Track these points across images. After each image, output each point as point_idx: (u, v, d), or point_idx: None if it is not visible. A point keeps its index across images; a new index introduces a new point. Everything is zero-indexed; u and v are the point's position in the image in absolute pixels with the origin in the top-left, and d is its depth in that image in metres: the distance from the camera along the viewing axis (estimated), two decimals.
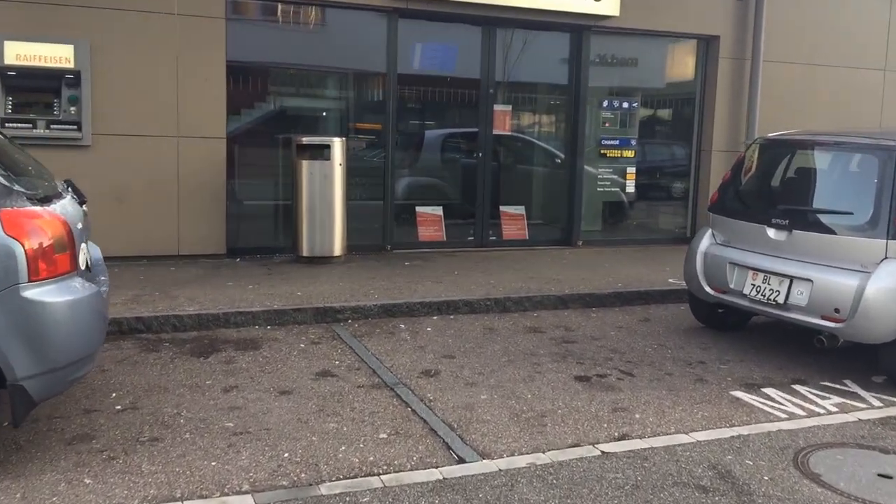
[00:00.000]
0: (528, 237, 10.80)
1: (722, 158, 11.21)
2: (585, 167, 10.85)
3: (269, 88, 9.68)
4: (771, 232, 6.26)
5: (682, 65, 11.64)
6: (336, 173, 8.73)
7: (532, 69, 10.81)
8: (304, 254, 8.80)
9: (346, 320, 6.94)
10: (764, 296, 6.19)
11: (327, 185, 8.70)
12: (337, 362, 5.88)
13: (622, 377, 5.77)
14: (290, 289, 7.51)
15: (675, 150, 12.06)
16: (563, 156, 11.15)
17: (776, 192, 6.71)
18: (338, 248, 8.88)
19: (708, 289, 6.75)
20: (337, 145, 8.72)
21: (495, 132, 10.54)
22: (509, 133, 11.22)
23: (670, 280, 8.64)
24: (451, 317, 7.25)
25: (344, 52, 9.80)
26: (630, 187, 11.19)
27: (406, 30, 9.78)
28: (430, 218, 10.39)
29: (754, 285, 6.30)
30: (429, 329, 6.83)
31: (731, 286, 6.50)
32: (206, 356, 5.91)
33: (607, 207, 11.45)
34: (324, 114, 10.24)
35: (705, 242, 6.89)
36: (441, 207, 10.49)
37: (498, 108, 10.49)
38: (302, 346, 6.25)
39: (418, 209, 10.38)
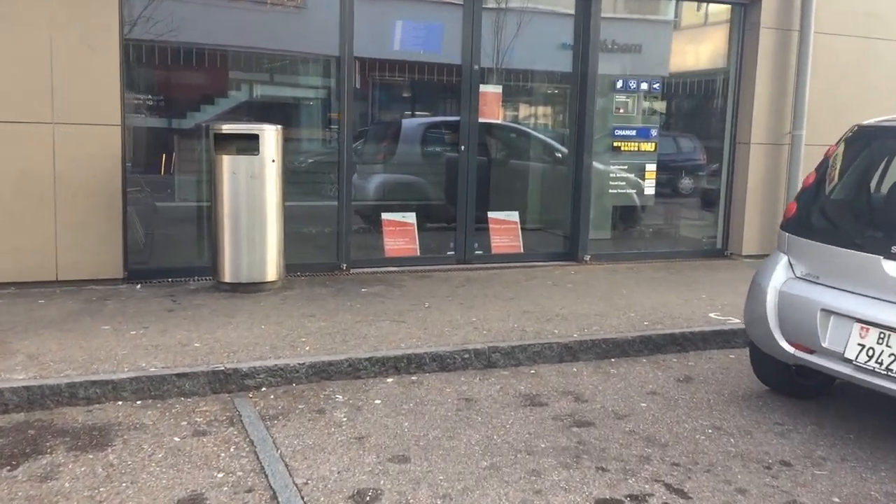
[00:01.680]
0: (522, 250, 8.66)
1: (762, 153, 9.07)
2: (594, 164, 8.70)
3: (187, 65, 7.50)
4: (891, 266, 4.14)
5: (713, 37, 9.49)
6: (268, 172, 6.57)
7: (527, 41, 8.66)
8: (226, 279, 6.64)
9: (257, 389, 4.80)
10: (881, 363, 4.07)
11: (257, 187, 6.54)
12: (221, 475, 3.74)
13: (671, 501, 3.64)
14: (187, 336, 5.35)
15: (704, 142, 9.91)
16: (566, 150, 9.01)
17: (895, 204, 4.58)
18: (272, 272, 6.72)
19: (785, 344, 4.62)
20: (269, 136, 6.55)
21: (482, 120, 8.39)
22: (499, 122, 9.10)
23: (711, 315, 6.50)
24: (413, 378, 5.11)
25: (287, 26, 7.64)
26: (649, 188, 9.04)
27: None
28: (400, 227, 8.24)
29: (864, 346, 4.17)
30: (377, 402, 4.69)
31: (825, 344, 4.37)
32: (15, 465, 3.76)
33: (620, 213, 9.32)
34: (260, 99, 8.10)
35: (779, 275, 4.75)
36: (413, 214, 8.35)
37: (485, 89, 8.33)
38: (177, 440, 4.10)
39: (384, 216, 8.23)
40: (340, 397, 4.73)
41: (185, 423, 4.30)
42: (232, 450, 3.99)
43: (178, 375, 4.63)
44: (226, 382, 4.72)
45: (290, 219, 7.20)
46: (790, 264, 4.76)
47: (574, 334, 5.77)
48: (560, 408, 4.72)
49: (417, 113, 9.88)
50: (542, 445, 4.17)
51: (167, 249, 7.55)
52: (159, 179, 7.82)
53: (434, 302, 6.58)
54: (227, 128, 6.57)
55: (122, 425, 4.23)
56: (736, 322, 6.25)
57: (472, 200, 8.28)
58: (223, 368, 4.74)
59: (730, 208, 9.32)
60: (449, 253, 8.32)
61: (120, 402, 4.52)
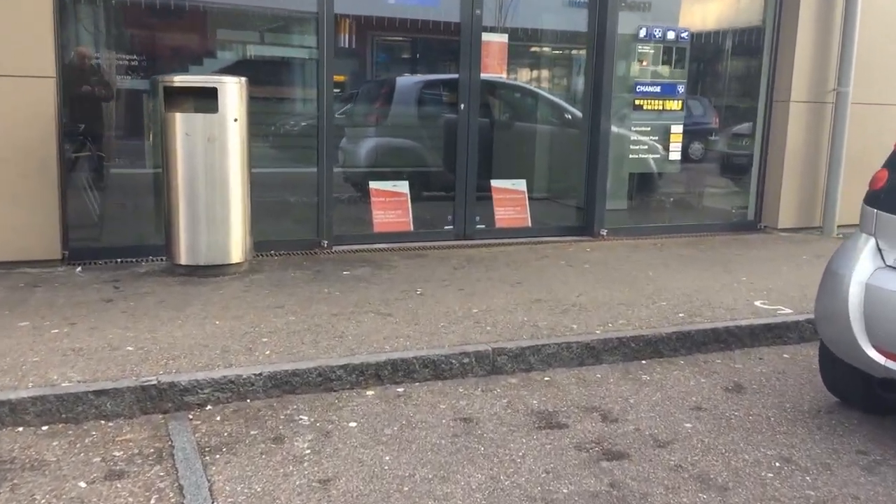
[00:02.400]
0: (530, 224, 7.63)
1: (802, 112, 7.99)
2: (613, 126, 7.62)
3: (141, 12, 6.38)
4: None
5: None
6: (231, 134, 5.52)
7: None
8: (182, 261, 5.61)
9: (200, 407, 3.79)
10: None
11: (216, 152, 5.49)
12: None
13: None
14: (121, 335, 4.34)
15: (736, 100, 8.82)
16: (580, 113, 7.94)
17: None
18: (236, 253, 5.69)
19: (871, 351, 3.61)
20: (230, 90, 5.49)
21: (485, 76, 7.31)
22: (504, 79, 8.02)
23: (757, 303, 5.48)
24: (400, 390, 4.11)
25: None
26: (674, 152, 7.97)
27: None
28: (390, 198, 7.20)
29: None
30: (352, 425, 3.69)
31: None
32: None
33: (640, 182, 8.27)
34: (228, 57, 7.01)
35: (865, 264, 3.71)
36: (406, 183, 7.30)
37: (488, 39, 7.23)
38: (82, 485, 3.10)
39: (372, 185, 7.19)
40: (306, 418, 3.72)
41: (98, 458, 3.30)
42: (153, 501, 3.00)
43: (97, 393, 3.62)
44: (159, 400, 3.72)
45: (262, 188, 6.17)
46: (879, 250, 3.72)
47: (596, 330, 4.75)
48: (584, 431, 3.72)
49: (407, 69, 8.81)
50: (565, 491, 3.18)
51: (119, 224, 6.52)
52: (112, 142, 6.78)
53: (428, 288, 5.56)
54: (180, 80, 5.49)
55: (14, 463, 3.24)
56: (787, 313, 5.24)
57: (472, 167, 7.22)
58: (156, 383, 3.73)
59: (764, 175, 8.26)
60: (447, 227, 7.29)
61: (20, 429, 3.52)
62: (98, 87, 6.26)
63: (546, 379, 4.34)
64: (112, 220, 6.51)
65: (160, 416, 3.69)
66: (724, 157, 9.00)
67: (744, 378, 4.48)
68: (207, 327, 4.52)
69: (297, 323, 4.66)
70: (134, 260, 6.03)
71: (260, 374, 3.89)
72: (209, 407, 3.79)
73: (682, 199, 8.77)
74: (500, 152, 8.26)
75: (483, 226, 7.39)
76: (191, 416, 3.70)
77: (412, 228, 7.19)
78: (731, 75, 8.80)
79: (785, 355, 4.89)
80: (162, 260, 5.89)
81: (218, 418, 3.69)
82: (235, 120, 5.51)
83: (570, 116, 8.50)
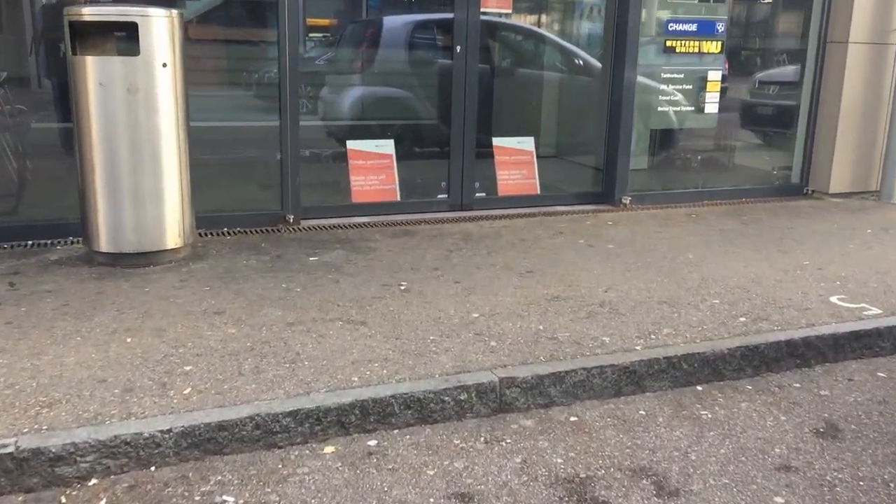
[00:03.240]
0: (539, 191, 6.42)
1: (863, 56, 6.72)
2: (638, 74, 6.36)
3: None
4: None
5: None
6: (160, 83, 4.28)
7: None
8: (102, 247, 4.42)
9: (81, 482, 2.64)
10: None
11: (141, 106, 4.26)
12: None
13: None
14: None
15: (781, 42, 7.53)
16: (599, 54, 6.68)
17: None
18: (172, 236, 4.50)
19: None
20: (157, 25, 4.22)
21: (485, 14, 6.03)
22: (508, 18, 6.77)
23: (833, 299, 4.30)
24: (371, 444, 2.95)
25: None
26: (710, 104, 6.72)
27: None
28: (372, 160, 5.98)
29: None
30: None
31: None
32: None
33: (669, 138, 7.04)
34: None
35: None
36: (391, 142, 6.08)
37: None
38: None
39: (350, 145, 5.97)
40: (232, 500, 2.57)
41: None
42: None
43: None
44: (19, 475, 2.56)
45: (211, 149, 5.00)
46: None
47: (636, 345, 3.59)
48: None
49: (404, 11, 7.54)
50: None
51: (40, 195, 5.31)
52: (35, 92, 5.55)
53: (415, 280, 4.38)
54: (90, 12, 4.22)
55: None
56: (876, 314, 4.08)
57: (471, 122, 5.99)
58: (13, 450, 2.56)
59: (813, 131, 7.02)
60: (440, 196, 6.08)
61: None
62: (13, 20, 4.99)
63: (573, 419, 3.19)
64: (34, 190, 5.30)
65: (20, 498, 2.54)
66: (775, 111, 7.75)
67: (835, 412, 3.33)
68: (113, 348, 3.34)
69: (238, 339, 3.48)
70: (49, 242, 4.83)
71: (170, 431, 2.73)
72: (93, 482, 2.63)
73: (716, 158, 7.55)
74: (503, 105, 7.05)
75: (483, 194, 6.19)
76: (64, 499, 2.55)
77: (399, 198, 5.99)
78: (776, 10, 7.50)
79: (880, 374, 3.74)
80: (82, 244, 4.69)
81: (104, 501, 2.54)
82: (164, 65, 4.26)
83: (581, 62, 7.27)
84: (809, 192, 7.10)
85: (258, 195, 5.67)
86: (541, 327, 3.74)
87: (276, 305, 3.91)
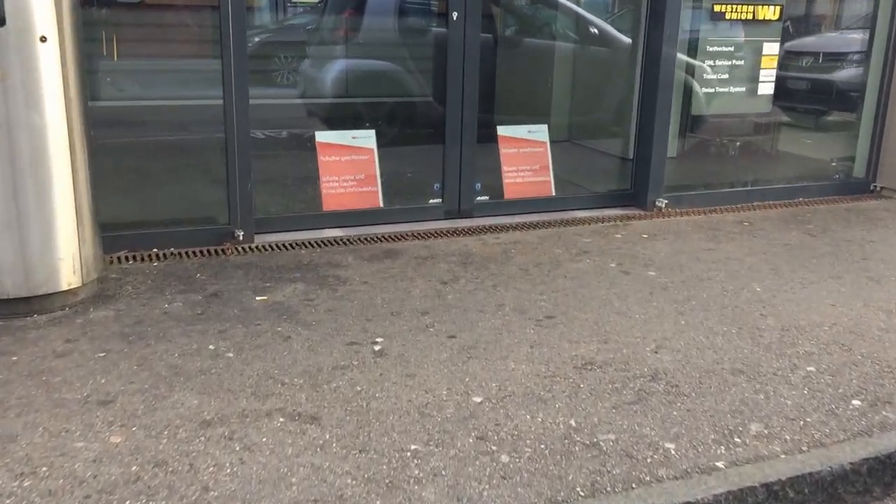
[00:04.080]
0: (554, 192, 5.23)
1: None
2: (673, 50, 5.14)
3: None
4: None
5: None
6: (41, 65, 3.07)
7: None
8: None
9: None
10: None
11: (13, 100, 3.06)
12: None
13: None
14: None
15: (844, 7, 6.30)
16: (629, 21, 5.49)
17: None
18: (65, 273, 3.32)
19: None
20: None
21: None
22: None
23: None
24: None
25: None
26: (765, 84, 5.50)
27: None
28: (349, 155, 4.79)
29: None
30: None
31: None
32: None
33: (712, 126, 5.85)
34: None
35: None
36: (372, 134, 4.89)
37: None
38: None
39: (321, 138, 4.77)
40: None
41: None
42: None
43: None
44: None
45: (137, 140, 3.84)
46: None
47: (715, 456, 2.42)
48: None
49: None
50: None
51: None
52: None
53: (395, 334, 3.20)
54: None
55: None
56: None
57: (470, 107, 4.78)
58: None
59: (883, 114, 5.81)
60: (433, 201, 4.90)
61: None
62: None
63: None
64: None
65: None
66: (837, 94, 6.52)
67: None
68: None
69: (121, 457, 2.32)
70: None
71: None
72: None
73: (765, 149, 6.35)
74: (509, 83, 5.91)
75: (486, 197, 5.01)
76: None
77: (381, 204, 4.80)
78: None
79: None
80: None
81: None
82: (44, 39, 3.05)
83: (597, 31, 6.12)
84: (877, 189, 5.91)
85: (198, 204, 4.49)
86: (572, 422, 2.58)
87: (192, 386, 2.74)
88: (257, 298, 3.53)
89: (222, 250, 4.15)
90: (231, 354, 2.98)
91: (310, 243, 4.32)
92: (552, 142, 5.34)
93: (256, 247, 4.23)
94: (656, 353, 3.11)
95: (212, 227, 4.23)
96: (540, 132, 5.30)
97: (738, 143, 6.32)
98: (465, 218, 4.90)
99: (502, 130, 5.19)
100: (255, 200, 4.32)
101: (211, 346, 3.03)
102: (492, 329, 3.29)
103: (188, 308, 3.39)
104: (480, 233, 4.63)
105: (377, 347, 3.08)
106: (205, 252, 4.11)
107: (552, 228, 4.76)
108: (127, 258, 3.96)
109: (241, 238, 4.23)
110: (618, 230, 4.78)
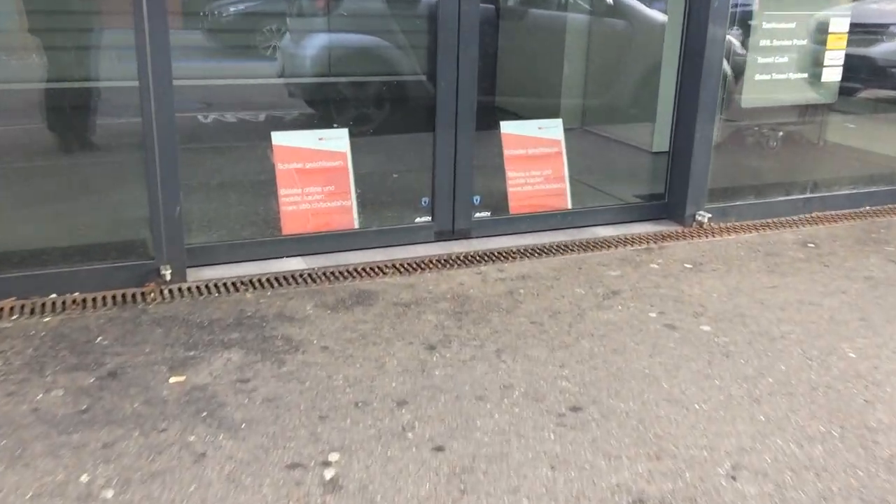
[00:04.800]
0: (570, 204, 4.24)
1: None
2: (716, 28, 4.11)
3: None
4: None
5: None
6: None
7: None
8: None
9: None
10: None
11: None
12: None
13: None
14: None
15: None
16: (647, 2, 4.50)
17: None
18: None
19: None
20: None
21: None
22: None
23: None
24: None
25: None
26: (831, 69, 4.49)
27: None
28: (314, 163, 3.79)
29: None
30: None
31: None
32: None
33: (762, 120, 4.86)
34: None
35: None
36: (345, 133, 3.88)
37: None
38: None
39: (278, 139, 3.76)
40: None
41: None
42: None
43: None
44: None
45: (31, 139, 2.85)
46: None
47: None
48: None
49: None
50: None
51: None
52: None
53: (356, 444, 2.24)
54: None
55: None
56: None
57: (466, 98, 3.78)
58: None
59: None
60: (420, 220, 3.90)
61: None
62: None
63: None
64: None
65: None
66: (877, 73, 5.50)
67: None
68: None
69: None
70: None
71: None
72: None
73: (824, 147, 5.35)
74: (513, 67, 4.90)
75: (486, 213, 4.01)
76: None
77: (357, 225, 3.81)
78: None
79: None
80: None
81: None
82: None
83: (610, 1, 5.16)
84: None
85: (111, 231, 3.50)
86: None
87: None
88: (171, 380, 2.56)
89: (142, 294, 3.18)
90: (109, 495, 2.01)
91: (260, 282, 3.34)
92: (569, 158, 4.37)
93: (188, 288, 3.25)
94: (733, 478, 2.15)
95: (129, 264, 3.25)
96: (553, 128, 4.30)
97: (780, 133, 5.33)
98: (461, 239, 3.92)
99: (506, 127, 4.19)
100: (184, 224, 3.33)
101: (84, 478, 2.07)
102: (495, 432, 2.32)
103: (71, 400, 2.42)
104: (480, 262, 3.65)
105: (329, 473, 2.12)
106: (119, 298, 3.13)
107: (570, 255, 3.78)
108: (13, 310, 2.99)
109: (167, 277, 3.25)
110: (652, 256, 3.79)
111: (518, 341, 2.89)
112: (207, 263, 3.46)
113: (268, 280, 3.36)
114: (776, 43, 4.24)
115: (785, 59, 4.31)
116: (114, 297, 3.14)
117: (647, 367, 2.73)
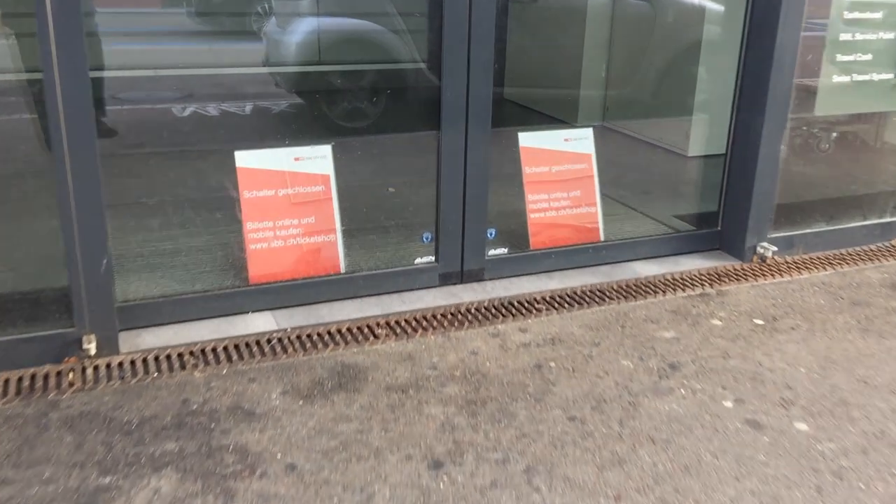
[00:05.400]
0: (602, 235, 3.47)
1: None
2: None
3: None
4: None
5: None
6: None
7: None
8: None
9: None
10: None
11: None
12: None
13: None
14: None
15: None
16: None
17: None
18: None
19: None
20: None
21: None
22: None
23: None
24: None
25: None
26: None
27: None
28: (287, 188, 3.01)
29: None
30: None
31: None
32: None
33: (833, 130, 4.09)
34: None
35: None
36: (328, 151, 3.10)
37: None
38: None
39: (242, 160, 2.97)
40: None
41: None
42: None
43: None
44: None
45: None
46: None
47: None
48: None
49: None
50: None
51: None
52: None
53: None
54: None
55: None
56: None
57: (480, 105, 3.00)
58: None
59: None
60: (421, 261, 3.13)
61: None
62: None
63: None
64: None
65: None
66: None
67: None
68: None
69: None
70: None
71: None
72: None
73: (865, 143, 4.58)
74: (527, 52, 4.20)
75: (503, 249, 3.25)
76: None
77: (342, 268, 3.04)
78: None
79: None
80: None
81: None
82: None
83: None
84: None
85: (17, 288, 2.72)
86: None
87: None
88: None
89: (58, 376, 2.42)
90: None
91: (215, 352, 2.58)
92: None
93: (120, 364, 2.50)
94: None
95: (40, 334, 2.48)
96: (583, 140, 3.52)
97: (833, 134, 4.55)
98: (472, 282, 3.16)
99: (525, 140, 3.42)
100: (113, 276, 2.57)
101: None
102: None
103: None
104: (496, 317, 2.89)
105: None
106: (25, 384, 2.38)
107: (607, 304, 3.02)
108: None
109: (91, 351, 2.49)
110: (711, 307, 3.03)
111: (553, 452, 2.14)
112: (149, 325, 2.70)
113: (225, 349, 2.60)
114: (859, 37, 3.46)
115: (867, 58, 3.52)
116: (19, 383, 2.38)
117: (736, 499, 1.98)
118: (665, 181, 4.56)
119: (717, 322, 2.91)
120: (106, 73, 3.90)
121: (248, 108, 5.29)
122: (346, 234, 3.07)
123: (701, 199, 3.97)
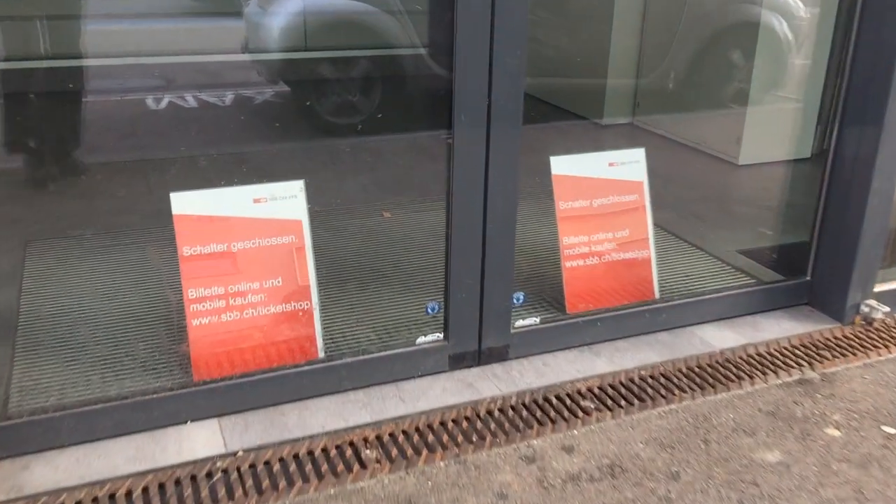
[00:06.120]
0: (657, 292, 2.64)
1: None
2: None
3: None
4: None
5: None
6: None
7: None
8: None
9: None
10: None
11: None
12: None
13: None
14: None
15: None
16: None
17: None
18: None
19: None
20: None
21: None
22: None
23: None
24: None
25: None
26: None
27: None
28: (244, 241, 2.18)
29: None
30: None
31: None
32: None
33: None
34: None
35: None
36: (299, 190, 2.26)
37: None
38: None
39: (179, 205, 2.14)
40: None
41: None
42: None
43: None
44: None
45: None
46: None
47: None
48: None
49: None
50: None
51: None
52: None
53: None
54: None
55: None
56: None
57: (506, 124, 2.16)
58: None
59: None
60: (425, 341, 2.30)
61: None
62: None
63: None
64: None
65: None
66: None
67: None
68: None
69: None
70: None
71: None
72: None
73: None
74: (547, 36, 3.55)
75: (535, 320, 2.43)
76: None
77: (319, 352, 2.23)
78: None
79: None
80: None
81: None
82: None
83: None
84: None
85: None
86: None
87: None
88: None
89: None
90: None
91: (129, 499, 1.78)
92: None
93: None
94: None
95: None
96: (632, 165, 2.70)
97: None
98: (493, 363, 2.35)
99: (558, 166, 2.59)
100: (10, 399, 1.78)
101: None
102: None
103: None
104: (528, 425, 2.09)
105: None
106: None
107: (679, 402, 2.22)
108: None
109: None
110: (820, 406, 2.23)
111: None
112: (39, 449, 1.90)
113: (144, 493, 1.80)
114: None
115: None
116: None
117: None
118: (717, 199, 3.78)
119: (833, 432, 2.11)
120: None
121: (229, 98, 4.75)
122: (328, 299, 2.27)
123: (770, 227, 3.19)
